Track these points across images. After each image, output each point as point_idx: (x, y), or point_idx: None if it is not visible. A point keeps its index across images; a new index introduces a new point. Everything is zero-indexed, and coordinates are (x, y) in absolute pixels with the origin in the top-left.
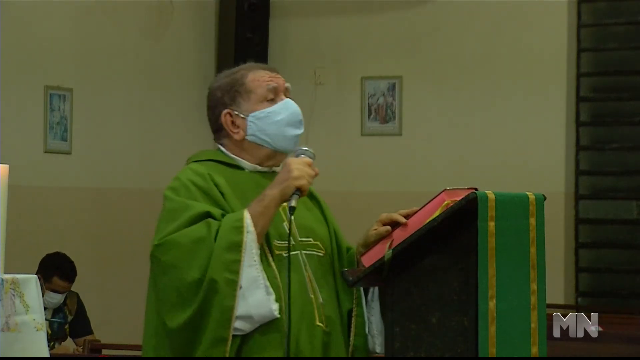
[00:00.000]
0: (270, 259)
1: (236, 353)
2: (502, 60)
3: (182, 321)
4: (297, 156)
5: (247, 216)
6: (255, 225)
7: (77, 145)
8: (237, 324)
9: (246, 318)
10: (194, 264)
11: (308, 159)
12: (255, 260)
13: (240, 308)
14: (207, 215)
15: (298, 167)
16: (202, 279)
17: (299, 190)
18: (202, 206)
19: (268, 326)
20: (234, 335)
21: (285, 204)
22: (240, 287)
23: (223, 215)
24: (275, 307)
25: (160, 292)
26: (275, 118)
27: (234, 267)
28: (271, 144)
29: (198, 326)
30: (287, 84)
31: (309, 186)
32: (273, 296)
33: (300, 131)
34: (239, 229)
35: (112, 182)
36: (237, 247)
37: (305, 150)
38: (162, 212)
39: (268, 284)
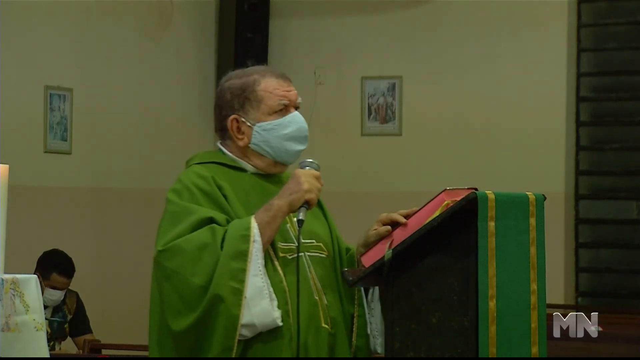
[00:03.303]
0: (277, 263)
1: (241, 355)
2: (501, 60)
3: (186, 326)
4: (302, 167)
5: (254, 225)
6: (262, 234)
7: (77, 145)
8: (242, 331)
9: (249, 326)
10: (198, 271)
11: (316, 172)
12: (260, 270)
13: (245, 317)
14: (211, 220)
15: (308, 179)
16: (206, 285)
17: (307, 204)
18: (206, 211)
19: (274, 331)
20: (237, 341)
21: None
22: (245, 297)
23: (227, 221)
24: (277, 315)
25: (164, 297)
26: (281, 131)
27: (240, 276)
28: (273, 156)
29: (203, 333)
30: (300, 99)
31: (316, 200)
32: (276, 302)
33: (303, 147)
34: (246, 237)
35: (112, 182)
36: (243, 256)
37: (311, 162)
38: (165, 215)
39: (272, 290)
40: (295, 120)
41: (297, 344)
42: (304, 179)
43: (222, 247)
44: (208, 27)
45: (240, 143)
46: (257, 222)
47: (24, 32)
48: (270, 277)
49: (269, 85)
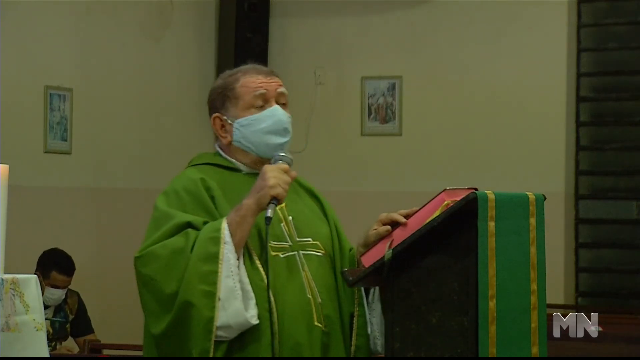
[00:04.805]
0: (257, 262)
1: (225, 355)
2: (501, 60)
3: (163, 329)
4: (274, 162)
5: (224, 226)
6: (233, 235)
7: (77, 145)
8: (220, 332)
9: (226, 328)
10: (171, 276)
11: (284, 165)
12: (232, 271)
13: (221, 318)
14: (188, 225)
15: (273, 174)
16: (177, 291)
17: (276, 199)
18: (185, 216)
19: (254, 330)
20: (221, 342)
21: (282, 205)
22: (219, 299)
23: (205, 224)
24: (252, 313)
25: (143, 302)
26: (258, 126)
27: (211, 279)
28: (255, 151)
29: (179, 336)
30: (281, 89)
31: (285, 194)
32: (253, 301)
33: (284, 139)
34: (216, 239)
35: (112, 182)
36: (214, 258)
37: (283, 155)
38: (150, 222)
39: (249, 288)
40: (273, 113)
41: (271, 343)
42: (270, 174)
43: (192, 250)
44: (208, 27)
45: (224, 141)
46: (227, 223)
47: (24, 32)
48: (250, 277)
49: (247, 81)
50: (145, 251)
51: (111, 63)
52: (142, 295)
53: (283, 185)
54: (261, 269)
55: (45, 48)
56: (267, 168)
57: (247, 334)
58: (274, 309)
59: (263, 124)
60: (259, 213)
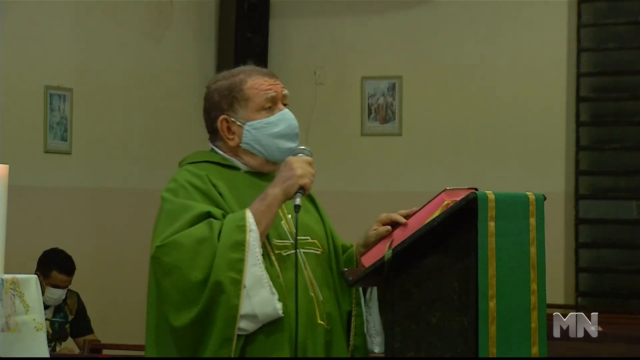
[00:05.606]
0: (273, 258)
1: (240, 354)
2: (501, 60)
3: (188, 320)
4: (295, 155)
5: (249, 215)
6: (258, 224)
7: (77, 145)
8: (242, 323)
9: (251, 317)
10: (197, 265)
11: (308, 158)
12: (258, 259)
13: (245, 307)
14: (209, 215)
15: (301, 165)
16: (206, 279)
17: (302, 189)
18: (203, 206)
19: (272, 327)
20: (237, 336)
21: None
22: (245, 287)
23: (224, 216)
24: (279, 306)
25: (163, 293)
26: (271, 130)
27: (239, 266)
28: (264, 154)
29: (204, 326)
30: (285, 91)
31: (311, 185)
32: (276, 296)
33: (295, 144)
34: (242, 227)
35: (112, 182)
36: (240, 246)
37: (303, 149)
38: (161, 214)
39: (271, 283)
40: (285, 117)
41: (295, 340)
42: (297, 165)
43: (219, 239)
44: (208, 27)
45: (231, 143)
46: (252, 212)
47: (24, 32)
48: (267, 273)
49: (255, 82)
50: (167, 240)
51: (111, 63)
52: (162, 286)
53: (310, 177)
54: (277, 265)
55: (45, 48)
56: (293, 159)
57: (267, 331)
58: (289, 306)
59: (276, 128)
60: (284, 202)
